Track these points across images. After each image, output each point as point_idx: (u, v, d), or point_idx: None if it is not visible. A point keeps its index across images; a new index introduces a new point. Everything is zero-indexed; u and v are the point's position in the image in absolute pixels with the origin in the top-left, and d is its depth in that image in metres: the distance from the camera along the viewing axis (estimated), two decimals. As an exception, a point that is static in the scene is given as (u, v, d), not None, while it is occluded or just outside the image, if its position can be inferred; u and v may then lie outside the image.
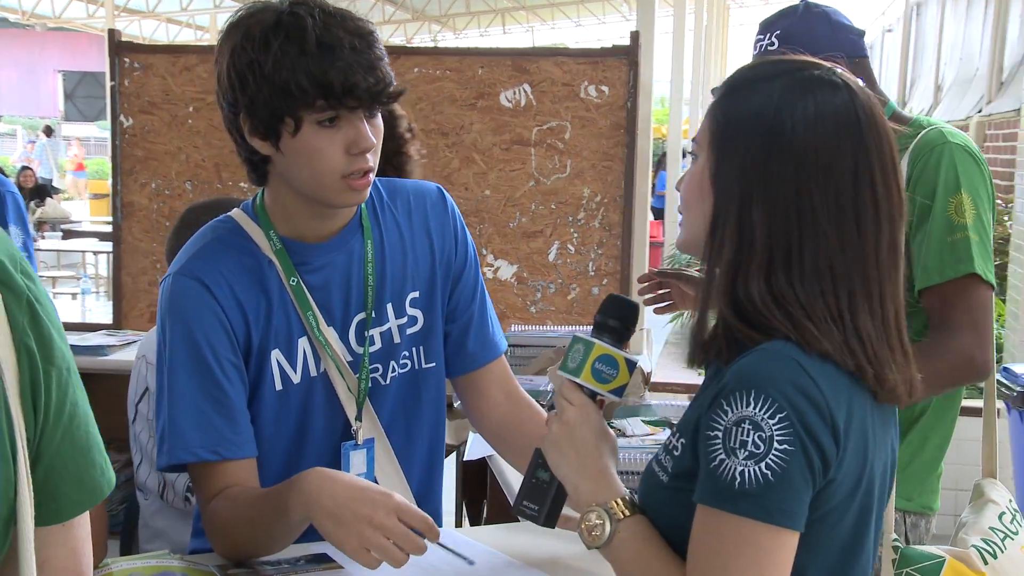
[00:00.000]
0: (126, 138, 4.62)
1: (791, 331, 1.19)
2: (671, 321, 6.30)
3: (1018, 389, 3.74)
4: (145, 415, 2.46)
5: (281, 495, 1.51)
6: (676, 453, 1.26)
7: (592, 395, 1.36)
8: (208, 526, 1.63)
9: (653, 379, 3.92)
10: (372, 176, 1.62)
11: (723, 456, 1.16)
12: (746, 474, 1.14)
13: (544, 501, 1.37)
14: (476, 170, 4.44)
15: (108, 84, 4.70)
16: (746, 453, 1.14)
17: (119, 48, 4.61)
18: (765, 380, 1.16)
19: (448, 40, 25.54)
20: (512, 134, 4.41)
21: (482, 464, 2.45)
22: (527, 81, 4.39)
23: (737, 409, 1.15)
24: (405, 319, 1.76)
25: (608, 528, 1.26)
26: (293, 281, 1.66)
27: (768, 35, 2.25)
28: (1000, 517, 1.89)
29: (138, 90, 4.60)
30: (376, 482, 1.68)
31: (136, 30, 20.01)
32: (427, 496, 1.82)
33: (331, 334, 1.69)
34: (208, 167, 4.60)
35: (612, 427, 2.03)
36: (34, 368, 1.00)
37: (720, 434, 1.16)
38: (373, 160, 1.61)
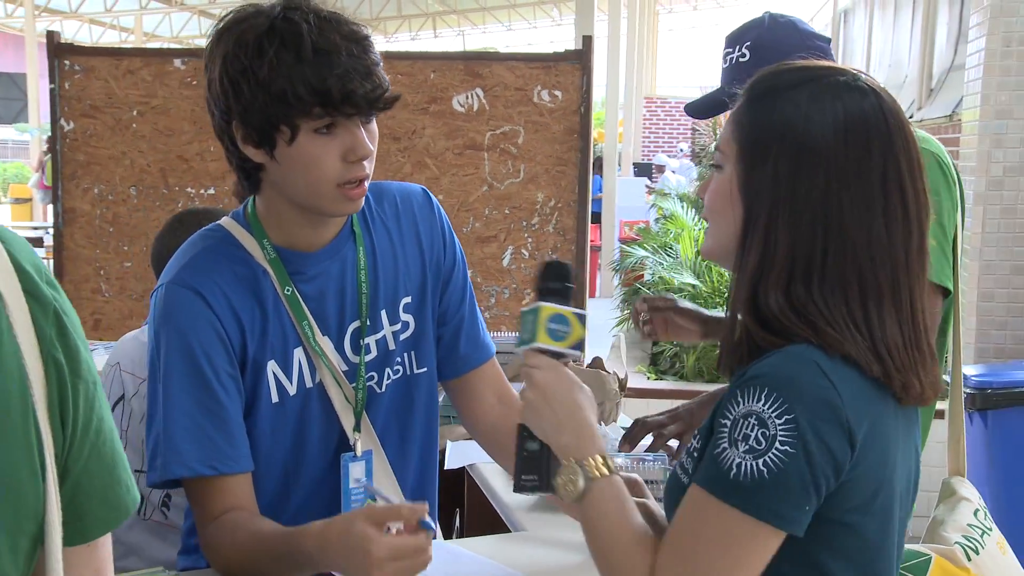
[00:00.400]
0: (67, 142, 4.51)
1: (812, 336, 1.20)
2: (616, 327, 6.32)
3: (967, 391, 3.84)
4: (119, 420, 2.39)
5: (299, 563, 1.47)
6: (696, 455, 1.27)
7: (555, 357, 1.38)
8: (206, 545, 1.58)
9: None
10: (366, 185, 1.60)
11: (726, 445, 1.17)
12: (743, 467, 1.15)
13: (540, 469, 1.38)
14: (429, 175, 4.41)
15: (48, 87, 4.57)
16: (747, 447, 1.16)
17: (59, 50, 4.50)
18: (782, 380, 1.17)
19: (378, 44, 25.34)
20: (465, 139, 4.39)
21: (457, 474, 2.42)
22: (480, 85, 4.37)
23: (748, 402, 1.17)
24: (399, 325, 1.74)
25: (581, 484, 1.28)
26: (288, 290, 1.63)
27: (738, 47, 2.26)
28: (975, 514, 1.92)
29: (79, 93, 4.49)
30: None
31: (57, 31, 19.55)
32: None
33: (327, 344, 1.65)
34: (154, 172, 4.51)
35: None
36: (62, 381, 0.97)
37: (728, 423, 1.18)
38: (369, 167, 1.59)
